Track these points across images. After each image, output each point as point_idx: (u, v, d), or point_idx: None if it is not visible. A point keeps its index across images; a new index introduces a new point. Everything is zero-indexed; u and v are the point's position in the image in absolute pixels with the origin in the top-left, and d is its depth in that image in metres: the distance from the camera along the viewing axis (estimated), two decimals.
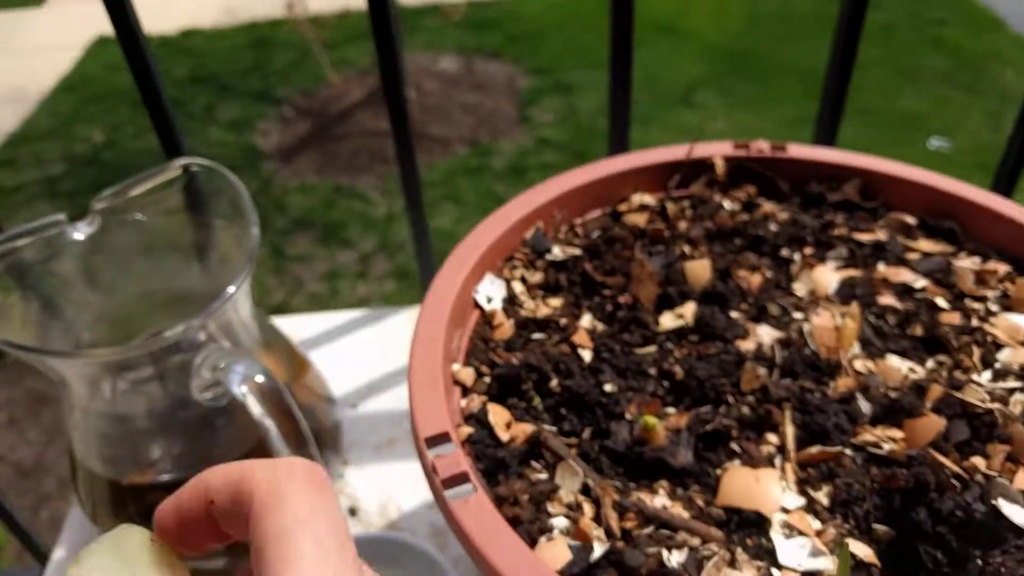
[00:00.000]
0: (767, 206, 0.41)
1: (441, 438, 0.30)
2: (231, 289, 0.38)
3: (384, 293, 2.59)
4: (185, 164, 0.43)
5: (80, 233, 0.42)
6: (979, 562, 0.27)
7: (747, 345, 0.34)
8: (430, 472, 0.29)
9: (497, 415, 0.32)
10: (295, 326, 0.63)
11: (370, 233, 2.80)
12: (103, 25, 4.19)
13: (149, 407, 0.41)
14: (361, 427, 0.55)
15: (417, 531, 0.49)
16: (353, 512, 0.50)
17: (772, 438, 0.32)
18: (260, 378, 0.37)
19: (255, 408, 0.37)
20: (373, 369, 0.59)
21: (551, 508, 0.29)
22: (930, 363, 0.33)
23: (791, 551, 0.28)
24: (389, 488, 0.51)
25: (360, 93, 3.51)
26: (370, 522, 0.49)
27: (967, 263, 0.37)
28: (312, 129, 3.30)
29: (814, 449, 0.30)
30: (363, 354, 0.60)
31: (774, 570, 0.27)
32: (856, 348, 0.34)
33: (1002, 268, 0.36)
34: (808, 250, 0.39)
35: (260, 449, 0.44)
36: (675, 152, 0.43)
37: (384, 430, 0.55)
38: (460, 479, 0.28)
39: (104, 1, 0.48)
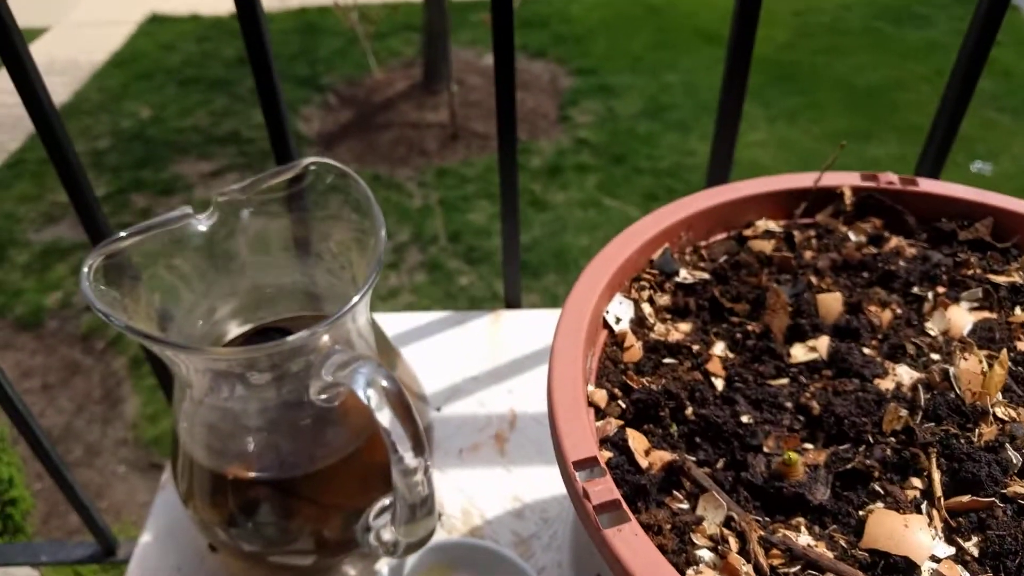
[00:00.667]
0: (895, 240, 0.41)
1: (589, 462, 0.30)
2: (359, 295, 0.38)
3: (414, 284, 2.61)
4: (310, 163, 0.43)
5: (203, 225, 0.42)
6: None
7: (886, 384, 0.34)
8: (580, 498, 0.29)
9: (636, 440, 0.32)
10: (380, 323, 0.63)
11: (405, 224, 2.81)
12: (156, 3, 4.24)
13: (262, 406, 0.41)
14: (445, 431, 0.55)
15: (500, 539, 0.49)
16: (438, 516, 0.50)
17: (916, 483, 0.31)
18: (384, 383, 0.37)
19: (381, 411, 0.37)
20: (456, 372, 0.59)
21: (696, 539, 0.29)
22: None
23: None
24: (472, 494, 0.52)
25: (403, 84, 3.53)
26: (453, 527, 0.50)
27: None
28: (354, 117, 3.32)
29: (965, 498, 0.30)
30: (446, 356, 0.60)
31: None
32: (999, 396, 0.33)
33: None
34: (940, 289, 0.38)
35: (363, 451, 0.44)
36: (802, 179, 0.43)
37: (468, 435, 0.55)
38: (612, 506, 0.28)
39: None
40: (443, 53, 3.15)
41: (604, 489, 0.29)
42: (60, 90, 3.34)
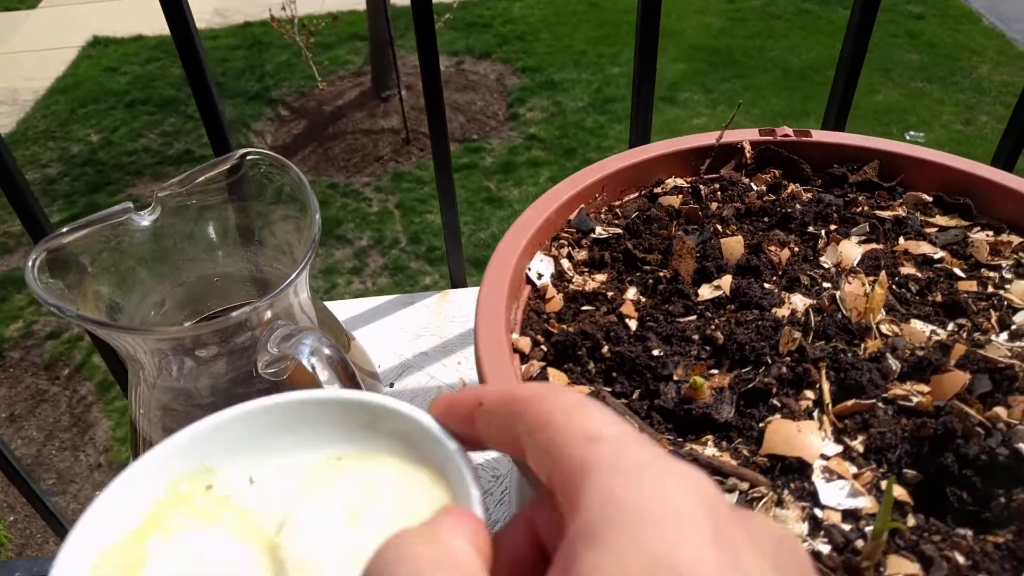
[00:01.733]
0: (792, 187, 0.44)
1: None
2: (297, 271, 0.41)
3: (378, 287, 2.62)
4: (244, 153, 0.46)
5: (145, 221, 0.44)
6: (1003, 500, 0.30)
7: (782, 312, 0.37)
8: None
9: (557, 378, 0.35)
10: (334, 310, 0.65)
11: (364, 230, 2.83)
12: (97, 26, 4.19)
13: (214, 383, 0.44)
14: None
15: None
16: None
17: (809, 394, 0.34)
18: (327, 351, 0.40)
19: (325, 377, 0.40)
20: (406, 350, 0.62)
21: None
22: (951, 326, 0.37)
23: (832, 492, 0.31)
24: None
25: (354, 93, 3.54)
26: None
27: (982, 236, 0.40)
28: (307, 129, 3.32)
29: (849, 402, 0.33)
30: (397, 336, 0.63)
31: (816, 510, 0.30)
32: (882, 314, 0.37)
33: (1015, 239, 0.40)
34: (832, 226, 0.42)
35: None
36: (705, 139, 0.46)
37: (420, 406, 0.57)
38: None
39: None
40: (390, 60, 3.16)
41: None
42: (4, 120, 3.30)
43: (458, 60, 3.64)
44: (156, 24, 3.90)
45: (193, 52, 0.50)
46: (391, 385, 0.59)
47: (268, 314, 0.42)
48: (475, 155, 3.09)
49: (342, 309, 0.65)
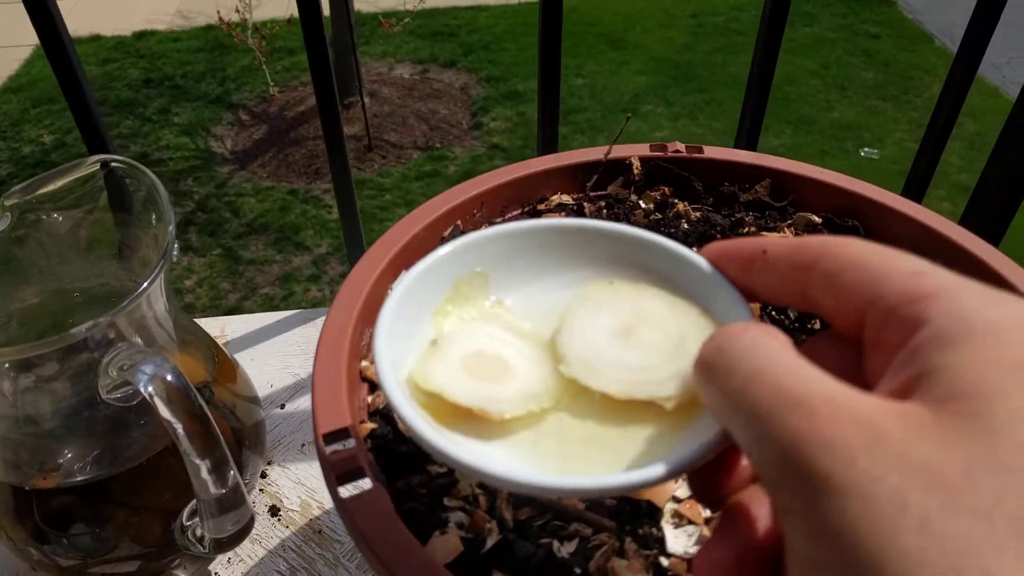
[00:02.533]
0: (681, 205, 0.42)
1: (341, 434, 0.30)
2: (143, 287, 0.38)
3: (336, 294, 2.58)
4: (102, 160, 0.43)
5: None
6: None
7: None
8: (326, 467, 0.29)
9: None
10: (228, 326, 0.62)
11: (324, 237, 2.79)
12: None
13: (55, 408, 0.40)
14: (288, 427, 0.55)
15: (338, 528, 0.48)
16: (275, 511, 0.50)
17: None
18: (169, 378, 0.37)
19: (163, 408, 0.37)
20: (301, 369, 0.59)
21: (449, 502, 0.30)
22: None
23: (679, 539, 0.28)
24: (313, 486, 0.51)
25: (315, 99, 3.50)
26: (291, 520, 0.49)
27: None
28: (267, 134, 3.28)
29: None
30: (292, 355, 0.60)
31: (662, 558, 0.28)
32: None
33: None
34: None
35: (175, 449, 0.43)
36: (593, 153, 0.44)
37: (310, 430, 0.55)
38: (356, 474, 0.28)
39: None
40: (353, 66, 3.13)
41: (347, 458, 0.29)
42: None
43: (423, 68, 3.62)
44: (115, 24, 3.83)
45: (61, 47, 0.47)
46: (282, 407, 0.56)
47: (112, 333, 0.39)
48: (438, 163, 3.07)
49: (234, 326, 0.62)
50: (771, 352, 0.18)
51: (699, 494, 0.22)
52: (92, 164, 0.43)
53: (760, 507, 0.21)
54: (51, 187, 0.42)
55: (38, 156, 3.04)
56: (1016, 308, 0.17)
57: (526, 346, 0.27)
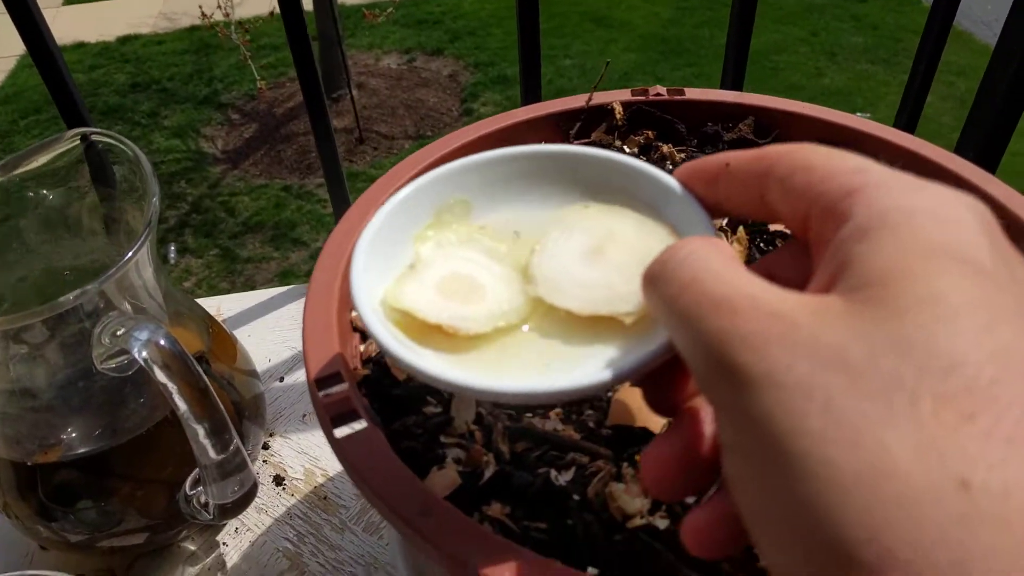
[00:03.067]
0: (665, 148, 0.42)
1: (332, 379, 0.30)
2: (129, 254, 0.38)
3: None
4: (81, 133, 0.43)
5: None
6: None
7: None
8: (320, 411, 0.29)
9: None
10: (223, 304, 0.62)
11: (319, 231, 2.78)
12: None
13: (51, 381, 0.41)
14: (288, 399, 0.55)
15: (343, 493, 0.49)
16: (279, 481, 0.50)
17: None
18: (163, 343, 0.37)
19: (159, 373, 0.37)
20: (299, 343, 0.59)
21: (445, 440, 0.30)
22: None
23: None
24: (316, 454, 0.51)
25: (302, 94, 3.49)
26: (296, 488, 0.49)
27: None
28: (258, 132, 3.27)
29: None
30: (289, 329, 0.60)
31: None
32: None
33: None
34: None
35: (174, 418, 0.43)
36: (575, 101, 0.44)
37: (310, 401, 0.55)
38: (350, 416, 0.28)
39: None
40: (340, 59, 3.12)
41: (340, 400, 0.29)
42: None
43: (410, 57, 3.61)
44: (99, 30, 3.82)
45: (47, 52, 0.47)
46: (281, 379, 0.56)
47: (102, 303, 0.39)
48: None
49: (232, 303, 0.62)
50: (705, 262, 0.19)
51: (652, 403, 0.23)
52: (72, 138, 0.42)
53: (707, 410, 0.22)
54: (33, 164, 0.42)
55: None
56: (933, 194, 0.17)
57: (500, 268, 0.27)
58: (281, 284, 2.59)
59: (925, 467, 0.14)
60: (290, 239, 2.76)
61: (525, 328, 0.26)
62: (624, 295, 0.25)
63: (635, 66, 3.34)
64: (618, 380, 0.22)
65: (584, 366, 0.23)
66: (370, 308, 0.24)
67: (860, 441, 0.14)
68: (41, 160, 0.42)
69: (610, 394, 0.31)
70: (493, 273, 0.27)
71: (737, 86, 0.55)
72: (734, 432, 0.17)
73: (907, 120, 0.61)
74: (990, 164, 0.56)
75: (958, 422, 0.14)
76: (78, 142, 0.42)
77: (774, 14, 3.63)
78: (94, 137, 0.42)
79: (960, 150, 0.59)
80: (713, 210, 0.25)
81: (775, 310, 0.17)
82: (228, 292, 2.56)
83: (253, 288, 2.58)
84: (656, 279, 0.20)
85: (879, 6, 3.68)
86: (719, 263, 0.19)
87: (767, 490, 0.16)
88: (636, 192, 0.28)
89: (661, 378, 0.22)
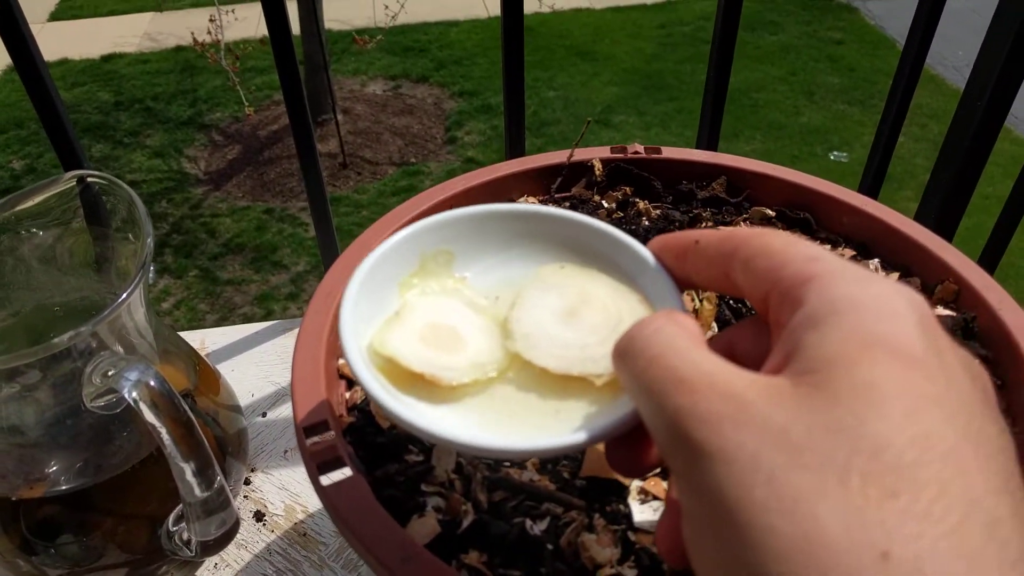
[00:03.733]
0: (642, 204, 0.44)
1: (320, 427, 0.31)
2: (122, 296, 0.39)
3: None
4: (78, 175, 0.44)
5: None
6: None
7: None
8: (307, 458, 0.30)
9: None
10: (207, 338, 0.63)
11: (301, 255, 2.79)
12: None
13: (39, 418, 0.41)
14: (270, 434, 0.56)
15: (323, 530, 0.49)
16: (260, 517, 0.51)
17: None
18: (152, 383, 0.38)
19: (147, 413, 0.38)
20: (282, 378, 0.60)
21: (426, 488, 0.31)
22: None
23: (645, 514, 0.30)
24: (296, 490, 0.52)
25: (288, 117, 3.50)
26: (276, 524, 0.50)
27: None
28: (241, 154, 3.28)
29: None
30: (272, 364, 0.61)
31: (629, 532, 0.29)
32: (713, 329, 0.37)
33: (848, 252, 0.40)
34: None
35: (160, 456, 0.44)
36: (557, 156, 0.46)
37: (292, 437, 0.56)
38: (336, 464, 0.30)
39: None
40: (325, 84, 3.14)
41: (327, 448, 0.30)
42: None
43: (395, 84, 3.64)
44: (82, 48, 3.82)
45: (33, 67, 0.48)
46: (263, 415, 0.57)
47: (94, 343, 0.40)
48: (413, 178, 3.08)
49: (214, 338, 0.63)
50: (670, 339, 0.21)
51: (616, 464, 0.25)
52: (69, 180, 0.44)
53: None
54: (29, 203, 0.43)
55: (7, 183, 3.02)
56: (880, 288, 0.19)
57: (480, 320, 0.29)
58: (260, 307, 2.59)
59: (851, 538, 0.15)
60: (271, 262, 2.76)
61: (504, 381, 0.27)
62: (596, 357, 0.26)
63: (618, 99, 3.40)
64: (591, 442, 0.23)
65: (559, 424, 0.25)
66: (357, 353, 0.25)
67: (796, 511, 0.16)
68: (38, 199, 0.43)
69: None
70: (473, 324, 0.29)
71: (712, 144, 0.57)
72: (689, 499, 0.19)
73: (879, 160, 0.63)
74: (956, 210, 0.58)
75: (882, 498, 0.16)
76: (74, 183, 0.44)
77: (753, 52, 3.72)
78: (91, 179, 0.44)
79: (927, 197, 0.62)
80: (682, 282, 0.27)
81: (730, 391, 0.19)
82: (207, 313, 2.55)
83: (232, 310, 2.57)
84: (624, 354, 0.22)
85: (855, 49, 3.78)
86: (681, 341, 0.21)
87: (717, 552, 0.17)
88: (611, 258, 0.29)
89: (626, 441, 0.24)
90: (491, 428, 0.25)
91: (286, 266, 2.75)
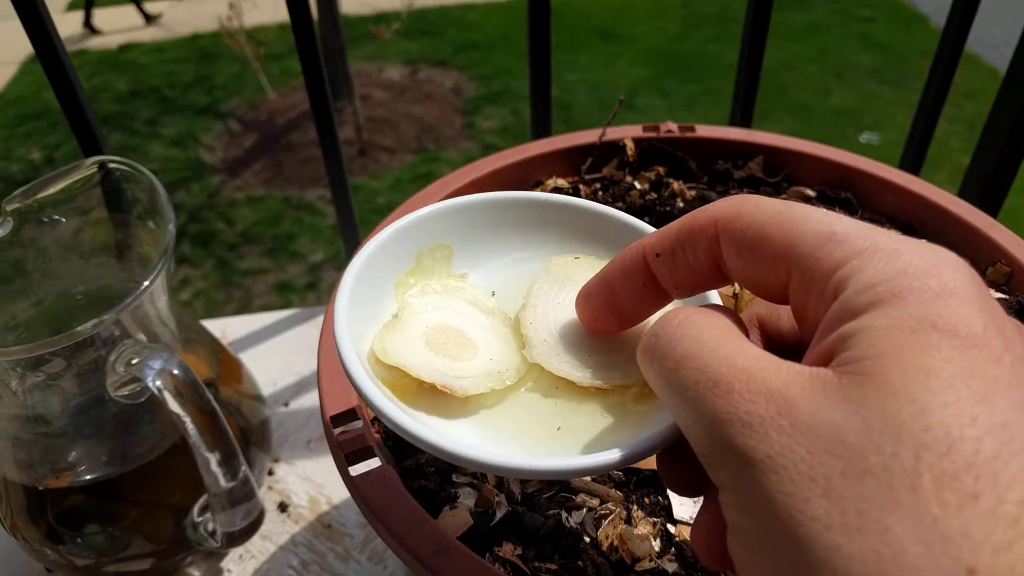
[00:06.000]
0: (676, 184, 0.43)
1: (347, 415, 0.30)
2: (145, 284, 0.38)
3: None
4: (99, 161, 0.43)
5: None
6: None
7: None
8: (335, 448, 0.29)
9: None
10: (228, 327, 0.62)
11: (319, 244, 2.78)
12: None
13: (64, 407, 0.41)
14: (293, 424, 0.55)
15: (347, 521, 0.49)
16: (283, 508, 0.50)
17: None
18: (176, 372, 0.37)
19: (171, 402, 0.37)
20: (304, 367, 0.59)
21: (457, 478, 0.30)
22: None
23: (685, 507, 0.29)
24: (320, 481, 0.52)
25: (306, 105, 3.49)
26: (300, 516, 0.49)
27: None
28: (258, 142, 3.27)
29: None
30: (294, 353, 0.60)
31: (669, 525, 0.28)
32: None
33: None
34: None
35: (184, 446, 0.44)
36: (588, 136, 0.44)
37: (315, 426, 0.55)
38: (364, 454, 0.29)
39: None
40: (342, 70, 3.13)
41: (355, 437, 0.29)
42: None
43: (413, 69, 3.62)
44: (100, 37, 3.83)
45: (51, 49, 0.47)
46: (286, 404, 0.57)
47: (117, 331, 0.40)
48: (431, 165, 3.07)
49: (236, 326, 0.62)
50: (698, 333, 0.19)
51: (669, 482, 0.22)
52: (90, 166, 0.43)
53: None
54: (51, 190, 0.42)
55: (27, 173, 3.04)
56: (921, 259, 0.17)
57: (489, 321, 0.26)
58: (278, 296, 2.59)
59: (930, 554, 0.14)
60: (288, 251, 2.76)
61: (524, 389, 0.25)
62: (624, 363, 0.24)
63: (641, 81, 3.36)
64: (630, 460, 0.21)
65: (591, 438, 0.22)
66: (358, 363, 0.23)
67: (863, 526, 0.14)
68: (60, 186, 0.42)
69: None
70: (482, 326, 0.26)
71: (746, 121, 0.56)
72: (737, 512, 0.17)
73: (918, 144, 0.61)
74: (999, 192, 0.56)
75: (961, 502, 0.14)
76: (96, 169, 0.43)
77: (781, 31, 3.66)
78: (112, 165, 0.43)
79: (967, 181, 0.59)
80: (675, 292, 0.23)
81: (770, 388, 0.17)
82: (226, 303, 2.56)
83: (250, 300, 2.58)
84: (651, 354, 0.20)
85: (886, 26, 3.70)
86: (710, 334, 0.19)
87: (772, 573, 0.16)
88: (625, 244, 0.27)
89: (676, 454, 0.22)
90: (515, 444, 0.23)
91: (303, 255, 2.75)
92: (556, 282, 0.27)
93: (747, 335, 0.20)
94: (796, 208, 0.19)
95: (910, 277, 0.17)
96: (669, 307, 0.23)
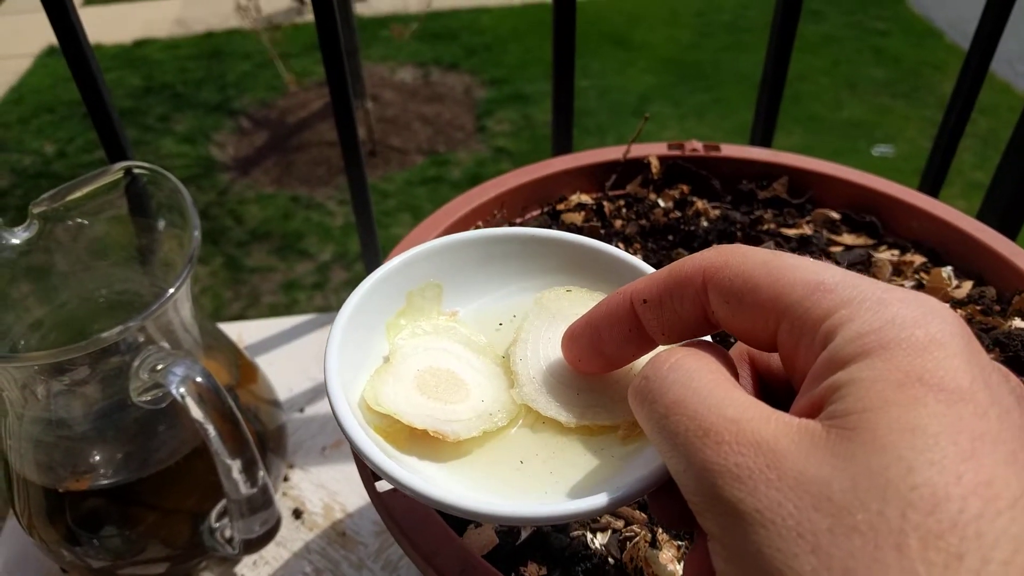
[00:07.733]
0: (700, 204, 0.43)
1: None
2: (170, 291, 0.38)
3: (341, 302, 2.58)
4: (126, 167, 0.43)
5: (17, 238, 0.42)
6: None
7: None
8: (362, 465, 0.29)
9: None
10: (244, 331, 0.63)
11: (327, 244, 2.79)
12: (52, 36, 4.09)
13: (86, 411, 0.41)
14: (307, 431, 0.55)
15: (362, 530, 0.49)
16: (298, 514, 0.50)
17: None
18: (199, 379, 0.37)
19: (194, 409, 0.37)
20: (319, 373, 0.59)
21: None
22: None
23: None
24: (335, 488, 0.52)
25: (317, 104, 3.50)
26: (314, 523, 0.50)
27: (886, 255, 0.39)
28: (269, 140, 3.28)
29: None
30: (310, 359, 0.60)
31: None
32: None
33: (918, 259, 0.38)
34: None
35: (203, 451, 0.44)
36: (612, 153, 0.44)
37: (331, 433, 0.55)
38: None
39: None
40: (355, 70, 3.14)
41: None
42: None
43: (425, 71, 3.63)
44: (114, 33, 3.84)
45: (80, 53, 0.48)
46: (301, 410, 0.57)
47: (141, 337, 0.40)
48: (442, 168, 3.07)
49: (252, 330, 0.62)
50: (689, 378, 0.19)
51: (660, 518, 0.22)
52: (117, 171, 0.43)
53: None
54: (77, 194, 0.42)
55: (39, 166, 3.05)
56: (909, 310, 0.17)
57: (481, 361, 0.26)
58: (285, 295, 2.59)
59: None
60: (296, 251, 2.76)
61: (514, 431, 0.25)
62: (613, 404, 0.24)
63: (653, 89, 3.35)
64: (619, 504, 0.21)
65: (581, 480, 0.23)
66: (349, 413, 0.23)
67: None
68: (86, 190, 0.42)
69: None
70: (474, 367, 0.26)
71: (767, 139, 0.56)
72: (726, 563, 0.17)
73: (939, 165, 0.60)
74: (1017, 217, 0.56)
75: (947, 563, 0.14)
76: (122, 175, 0.43)
77: (795, 44, 3.65)
78: (137, 170, 0.43)
79: (988, 202, 0.59)
80: (660, 338, 0.23)
81: (759, 440, 0.17)
82: (231, 301, 2.56)
83: (257, 299, 2.59)
84: (641, 397, 0.20)
85: (901, 40, 3.69)
86: (701, 380, 0.19)
87: None
88: (620, 281, 0.26)
89: (666, 495, 0.21)
90: (504, 490, 0.23)
91: (312, 255, 2.76)
92: (547, 316, 0.27)
93: (737, 376, 0.21)
94: (784, 257, 0.20)
95: (897, 328, 0.17)
96: (659, 349, 0.23)
